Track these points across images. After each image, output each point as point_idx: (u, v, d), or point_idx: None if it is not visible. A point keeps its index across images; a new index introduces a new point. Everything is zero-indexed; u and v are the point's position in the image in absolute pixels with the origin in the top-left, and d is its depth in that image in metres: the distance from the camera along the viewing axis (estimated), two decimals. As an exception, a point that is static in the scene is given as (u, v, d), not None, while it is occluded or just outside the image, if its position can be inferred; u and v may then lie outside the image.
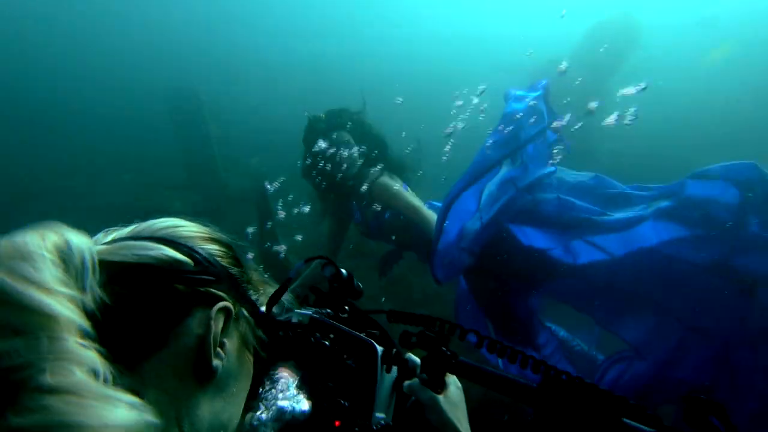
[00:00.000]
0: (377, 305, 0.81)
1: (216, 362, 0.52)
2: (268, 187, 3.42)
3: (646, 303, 1.96)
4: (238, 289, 0.59)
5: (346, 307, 0.79)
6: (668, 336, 1.92)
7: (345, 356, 0.70)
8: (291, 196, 3.24)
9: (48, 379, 0.32)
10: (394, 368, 0.74)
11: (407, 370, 0.76)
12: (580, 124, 2.31)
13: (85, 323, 0.38)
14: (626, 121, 2.15)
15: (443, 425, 0.73)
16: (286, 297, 0.72)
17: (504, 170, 2.14)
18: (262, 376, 0.63)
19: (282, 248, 3.19)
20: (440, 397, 0.74)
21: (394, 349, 0.74)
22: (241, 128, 9.80)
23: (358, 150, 2.60)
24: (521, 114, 2.08)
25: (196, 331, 0.51)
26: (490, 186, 2.13)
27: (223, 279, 0.56)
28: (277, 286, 0.69)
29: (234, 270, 0.59)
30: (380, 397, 0.70)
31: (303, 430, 0.60)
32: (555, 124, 2.15)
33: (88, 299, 0.41)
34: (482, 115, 2.72)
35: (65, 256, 0.41)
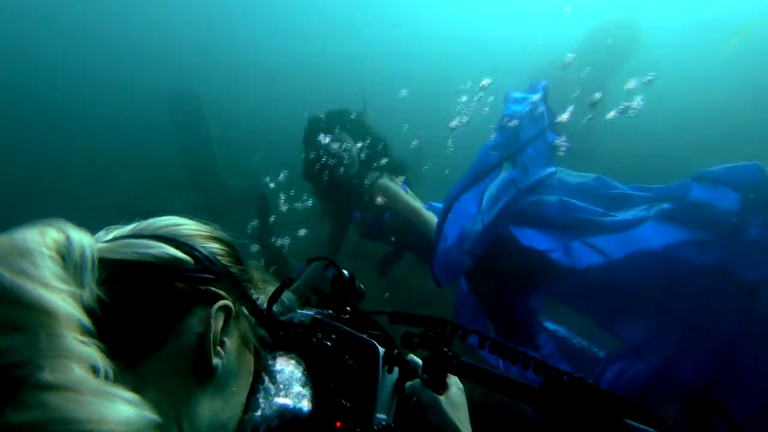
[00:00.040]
0: (378, 306, 0.81)
1: (216, 361, 0.52)
2: (268, 180, 3.41)
3: (647, 304, 1.96)
4: (239, 288, 0.59)
5: (348, 308, 0.79)
6: (669, 336, 1.92)
7: (347, 357, 0.70)
8: (293, 191, 3.24)
9: (47, 376, 0.32)
10: (396, 369, 0.74)
11: (409, 371, 0.76)
12: (590, 116, 2.30)
13: (85, 319, 0.37)
14: (634, 107, 2.12)
15: (445, 426, 0.73)
16: (289, 297, 0.72)
17: (504, 173, 2.14)
18: (261, 369, 0.63)
19: (286, 240, 3.18)
20: (442, 398, 0.74)
21: (396, 350, 0.74)
22: (241, 128, 9.80)
23: (358, 149, 2.60)
24: (521, 115, 2.08)
25: (196, 329, 0.50)
26: (491, 188, 2.13)
27: (223, 277, 0.56)
28: (278, 285, 0.69)
29: (235, 268, 0.59)
30: (381, 397, 0.70)
31: (304, 430, 0.60)
32: (561, 117, 2.14)
33: (88, 296, 0.40)
34: (486, 108, 2.71)
35: (65, 253, 0.41)
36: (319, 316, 0.73)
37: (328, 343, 0.69)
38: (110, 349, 0.38)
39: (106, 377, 0.36)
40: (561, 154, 2.24)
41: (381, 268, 3.08)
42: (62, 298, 0.36)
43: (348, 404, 0.64)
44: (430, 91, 8.98)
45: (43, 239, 0.40)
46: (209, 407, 0.50)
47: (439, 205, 2.61)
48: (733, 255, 1.76)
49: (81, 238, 0.44)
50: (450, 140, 2.70)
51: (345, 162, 2.55)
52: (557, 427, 0.55)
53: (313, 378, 0.64)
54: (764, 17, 11.44)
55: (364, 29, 18.66)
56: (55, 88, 14.27)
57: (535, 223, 2.11)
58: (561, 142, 2.22)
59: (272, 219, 3.19)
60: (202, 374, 0.50)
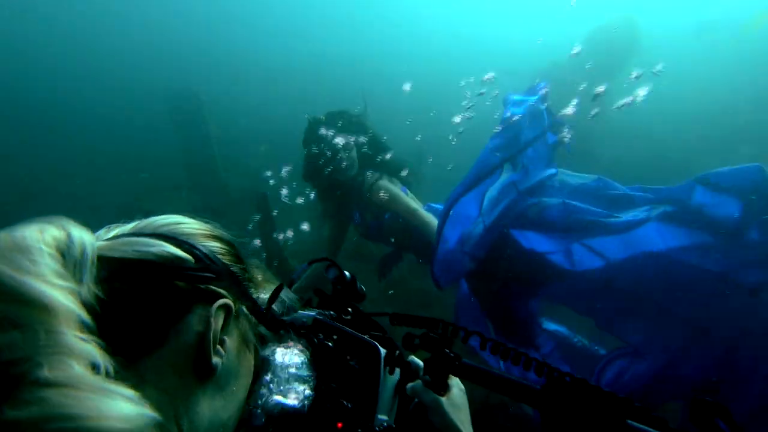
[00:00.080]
0: (378, 308, 0.81)
1: (216, 360, 0.51)
2: (270, 175, 3.41)
3: (648, 304, 1.96)
4: (239, 287, 0.58)
5: (349, 309, 0.79)
6: (670, 336, 1.92)
7: (348, 357, 0.69)
8: (295, 183, 3.23)
9: (45, 373, 0.32)
10: (397, 370, 0.74)
11: (410, 372, 0.76)
12: (594, 112, 2.29)
13: (84, 316, 0.37)
14: (642, 94, 2.10)
15: (446, 427, 0.73)
16: (290, 297, 0.72)
17: (505, 175, 2.14)
18: (263, 363, 0.62)
19: (289, 234, 3.18)
20: (443, 399, 0.74)
21: (397, 351, 0.74)
22: (241, 128, 9.81)
23: (357, 146, 2.60)
24: (520, 116, 2.08)
25: (195, 328, 0.50)
26: (491, 190, 2.13)
27: (223, 276, 0.55)
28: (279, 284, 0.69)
29: (235, 267, 0.59)
30: (383, 398, 0.70)
31: (303, 430, 0.60)
32: (566, 110, 2.13)
33: (87, 293, 0.40)
34: (490, 101, 2.70)
35: (64, 250, 0.40)
36: (321, 317, 0.73)
37: (330, 344, 0.69)
38: (110, 347, 0.38)
39: (107, 374, 0.36)
40: (566, 140, 2.22)
41: (381, 269, 3.08)
42: (62, 295, 0.36)
43: (349, 405, 0.64)
44: (430, 91, 8.98)
45: (43, 236, 0.40)
46: (209, 406, 0.50)
47: (439, 207, 2.61)
48: (734, 259, 1.76)
49: (82, 235, 0.44)
50: (451, 136, 2.69)
51: (344, 163, 2.55)
52: (560, 428, 0.55)
53: (316, 373, 0.64)
54: (764, 17, 11.46)
55: (364, 29, 18.68)
56: (55, 88, 14.27)
57: (537, 226, 2.11)
58: (565, 133, 2.21)
59: (275, 212, 3.19)
60: (202, 373, 0.50)
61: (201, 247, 0.55)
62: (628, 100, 2.14)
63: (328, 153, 2.53)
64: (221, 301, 0.54)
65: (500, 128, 2.09)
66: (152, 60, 16.11)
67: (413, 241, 2.61)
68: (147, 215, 0.59)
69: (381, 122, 2.78)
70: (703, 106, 9.15)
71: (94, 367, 0.35)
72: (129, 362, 0.43)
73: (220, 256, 0.57)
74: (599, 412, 0.53)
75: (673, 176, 2.09)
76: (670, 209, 1.92)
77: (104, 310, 0.41)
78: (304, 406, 0.59)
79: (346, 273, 0.82)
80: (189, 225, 0.59)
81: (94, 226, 0.52)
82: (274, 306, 0.66)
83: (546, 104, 2.22)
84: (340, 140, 2.55)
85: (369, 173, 2.59)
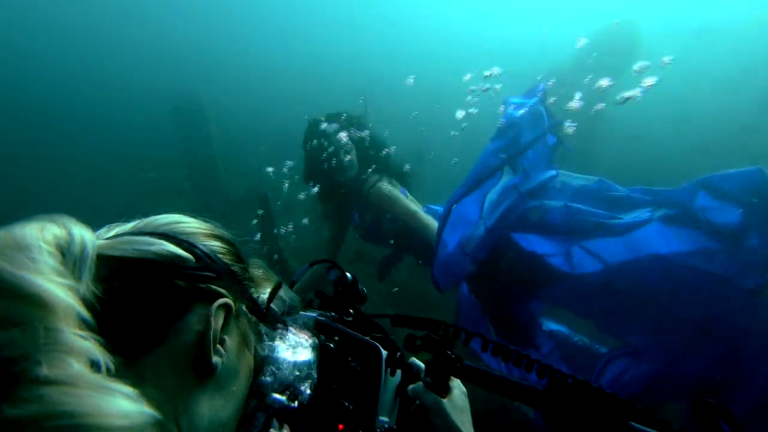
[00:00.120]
0: (379, 310, 0.81)
1: (215, 359, 0.51)
2: (272, 171, 3.40)
3: (649, 305, 1.96)
4: (240, 286, 0.58)
5: (351, 311, 0.79)
6: (671, 336, 1.92)
7: (350, 359, 0.69)
8: (297, 176, 3.23)
9: (44, 370, 0.31)
10: (398, 372, 0.74)
11: (411, 373, 0.76)
12: (601, 105, 2.26)
13: (84, 313, 0.37)
14: (648, 84, 2.07)
15: (447, 429, 0.73)
16: (292, 298, 0.72)
17: (505, 178, 2.14)
18: (266, 358, 0.62)
19: (290, 227, 3.17)
20: (445, 400, 0.74)
21: (399, 353, 0.74)
22: (242, 129, 9.81)
23: (357, 147, 2.60)
24: (520, 118, 2.08)
25: (195, 327, 0.50)
26: (492, 193, 2.13)
27: (224, 276, 0.55)
28: (282, 284, 0.69)
29: (236, 267, 0.59)
30: (384, 400, 0.70)
31: (303, 429, 0.59)
32: (572, 104, 2.11)
33: (87, 291, 0.40)
34: (494, 93, 2.69)
35: (64, 248, 0.40)
36: (322, 318, 0.73)
37: (331, 345, 0.68)
38: (109, 345, 0.38)
39: (110, 370, 0.36)
40: (570, 132, 2.20)
41: (380, 270, 3.08)
42: (61, 293, 0.36)
43: (350, 406, 0.64)
44: (430, 91, 8.99)
45: (43, 234, 0.39)
46: (209, 406, 0.50)
47: (438, 208, 2.61)
48: (736, 264, 1.77)
49: (82, 233, 0.43)
50: (454, 132, 2.68)
51: (344, 164, 2.55)
52: (562, 430, 0.55)
53: (317, 373, 0.63)
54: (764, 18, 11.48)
55: (364, 29, 18.70)
56: (56, 88, 14.29)
57: (538, 228, 2.10)
58: (568, 125, 2.19)
59: (278, 203, 3.17)
60: (202, 372, 0.50)
61: (201, 246, 0.54)
62: (632, 92, 2.12)
63: (328, 154, 2.53)
64: (221, 300, 0.53)
65: (503, 123, 2.08)
66: (153, 60, 16.13)
67: (412, 243, 2.61)
68: (147, 215, 0.59)
69: (381, 122, 2.78)
70: (703, 106, 9.16)
71: (94, 365, 0.35)
72: (128, 361, 0.43)
73: (220, 256, 0.57)
74: (602, 414, 0.53)
75: (674, 176, 2.09)
76: (672, 212, 1.92)
77: (104, 308, 0.41)
78: (304, 406, 0.59)
79: (348, 274, 0.82)
80: (189, 224, 0.58)
81: (94, 226, 0.52)
82: (273, 305, 0.66)
83: (547, 102, 2.22)
84: (339, 141, 2.55)
85: (369, 175, 2.59)
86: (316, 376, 0.62)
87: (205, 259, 0.53)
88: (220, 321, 0.53)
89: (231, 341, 0.55)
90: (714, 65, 11.24)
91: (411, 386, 0.75)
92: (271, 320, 0.64)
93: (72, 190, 7.13)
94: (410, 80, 3.68)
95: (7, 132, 9.89)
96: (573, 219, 2.04)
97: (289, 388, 0.61)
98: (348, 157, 2.56)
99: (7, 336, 0.32)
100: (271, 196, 3.85)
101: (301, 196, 2.87)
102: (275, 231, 3.24)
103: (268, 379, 0.61)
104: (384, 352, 0.72)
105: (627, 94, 2.12)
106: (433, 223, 2.36)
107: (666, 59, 2.07)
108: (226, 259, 0.57)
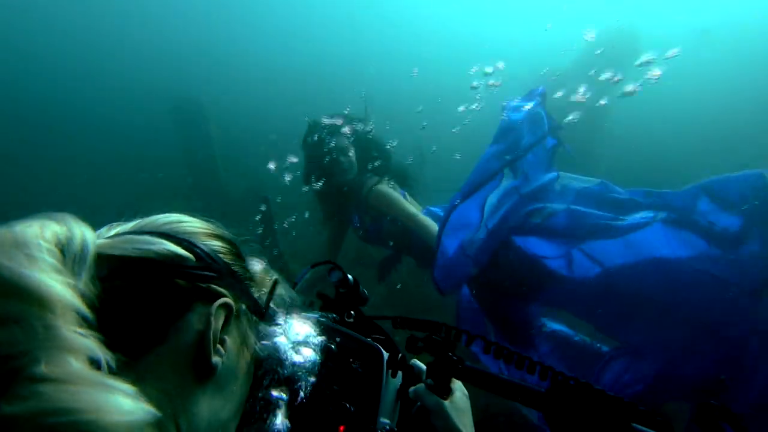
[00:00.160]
0: (379, 313, 0.80)
1: (215, 359, 0.51)
2: (273, 167, 3.40)
3: (649, 306, 1.96)
4: (240, 286, 0.58)
5: (352, 312, 0.79)
6: (672, 337, 1.92)
7: (351, 360, 0.69)
8: (299, 172, 3.23)
9: (42, 368, 0.31)
10: (400, 373, 0.74)
11: (413, 375, 0.76)
12: (605, 99, 2.25)
13: (84, 310, 0.37)
14: (654, 75, 2.06)
15: (449, 431, 0.73)
16: (294, 298, 0.71)
17: (505, 182, 2.14)
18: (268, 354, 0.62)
19: (291, 220, 3.16)
20: (446, 402, 0.73)
21: (400, 355, 0.74)
22: (242, 129, 9.81)
23: (357, 148, 2.60)
24: (519, 122, 2.08)
25: (196, 326, 0.50)
26: (492, 197, 2.12)
27: (224, 275, 0.55)
28: (284, 284, 0.69)
29: (236, 266, 0.59)
30: (385, 401, 0.70)
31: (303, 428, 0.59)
32: (577, 97, 2.10)
33: (86, 289, 0.40)
34: (495, 89, 2.69)
35: (64, 246, 0.40)
36: (323, 320, 0.73)
37: (333, 347, 0.68)
38: (109, 343, 0.38)
39: (111, 368, 0.36)
40: (574, 121, 2.19)
41: (380, 271, 3.07)
42: (60, 290, 0.36)
43: (352, 408, 0.64)
44: (430, 91, 8.99)
45: (42, 231, 0.39)
46: (208, 406, 0.50)
47: (438, 210, 2.61)
48: (737, 268, 1.77)
49: (82, 232, 0.43)
50: (465, 120, 2.67)
51: (343, 166, 2.55)
52: (565, 431, 0.55)
53: (318, 375, 0.63)
54: (756, 28, 11.51)
55: (364, 29, 18.70)
56: (56, 88, 14.28)
57: (539, 231, 2.10)
58: (572, 117, 2.18)
59: (278, 199, 3.16)
60: (202, 372, 0.50)
61: (202, 246, 0.54)
62: (633, 87, 2.11)
63: (327, 155, 2.53)
64: (222, 300, 0.53)
65: (506, 116, 2.08)
66: (153, 60, 16.13)
67: (412, 245, 2.61)
68: (148, 215, 0.59)
69: (381, 122, 2.77)
70: (703, 106, 9.16)
71: (93, 363, 0.35)
72: (128, 360, 0.42)
73: (221, 255, 0.57)
74: (604, 416, 0.53)
75: (674, 177, 2.09)
76: (674, 215, 1.92)
77: (104, 307, 0.41)
78: (305, 406, 0.59)
79: (349, 276, 0.81)
80: (190, 223, 0.58)
81: (95, 226, 0.52)
82: (274, 304, 0.66)
83: (546, 103, 2.22)
84: (338, 143, 2.55)
85: (368, 176, 2.59)
86: (317, 374, 0.62)
87: (205, 258, 0.53)
88: (221, 321, 0.53)
89: (231, 341, 0.55)
90: (714, 65, 11.25)
91: (412, 388, 0.75)
92: (271, 320, 0.64)
93: (72, 190, 7.13)
94: (415, 71, 3.68)
95: (7, 132, 9.88)
96: (576, 222, 2.03)
97: (290, 387, 0.61)
98: (347, 159, 2.56)
99: (6, 333, 0.32)
100: (272, 192, 3.85)
101: (305, 188, 2.87)
102: (275, 227, 3.23)
103: (268, 378, 0.61)
104: (385, 354, 0.72)
105: (628, 88, 2.11)
106: (433, 226, 2.35)
107: (672, 52, 2.06)
108: (226, 258, 0.57)
